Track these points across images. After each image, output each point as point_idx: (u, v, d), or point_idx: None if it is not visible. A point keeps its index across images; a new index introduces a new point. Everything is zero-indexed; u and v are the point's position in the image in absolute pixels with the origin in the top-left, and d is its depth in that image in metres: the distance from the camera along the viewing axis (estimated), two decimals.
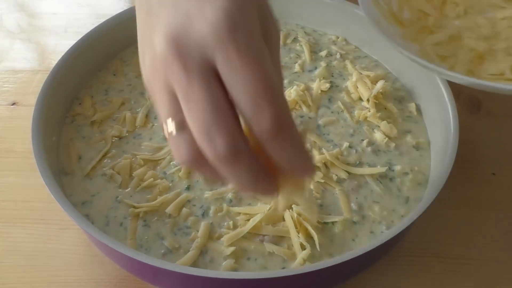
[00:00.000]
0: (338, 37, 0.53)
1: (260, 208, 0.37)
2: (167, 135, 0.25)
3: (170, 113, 0.24)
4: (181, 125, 0.24)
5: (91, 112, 0.44)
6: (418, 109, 0.46)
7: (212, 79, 0.23)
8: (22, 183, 0.44)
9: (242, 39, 0.23)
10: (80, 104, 0.46)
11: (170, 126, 0.24)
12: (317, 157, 0.40)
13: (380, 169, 0.40)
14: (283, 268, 0.34)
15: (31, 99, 0.52)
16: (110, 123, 0.44)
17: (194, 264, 0.35)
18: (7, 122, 0.49)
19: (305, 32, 0.53)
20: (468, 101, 0.53)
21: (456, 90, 0.53)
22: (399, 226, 0.33)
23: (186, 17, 0.24)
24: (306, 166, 0.26)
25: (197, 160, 0.24)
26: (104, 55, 0.49)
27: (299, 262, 0.34)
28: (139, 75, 0.49)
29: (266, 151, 0.24)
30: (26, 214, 0.42)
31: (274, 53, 0.26)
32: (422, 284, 0.38)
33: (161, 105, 0.25)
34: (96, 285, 0.37)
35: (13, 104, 0.51)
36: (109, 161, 0.41)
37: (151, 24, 0.25)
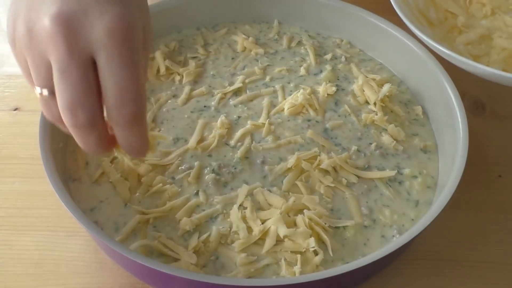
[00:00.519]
0: (342, 40, 0.53)
1: (272, 212, 0.37)
2: (38, 95, 0.31)
3: (44, 78, 0.30)
4: (51, 91, 0.30)
5: None
6: (424, 112, 0.47)
7: (88, 65, 0.29)
8: (28, 190, 0.43)
9: (128, 47, 0.29)
10: None
11: (43, 91, 0.30)
12: (326, 161, 0.40)
13: (389, 173, 0.40)
14: (296, 274, 0.34)
15: (33, 105, 0.51)
16: None
17: (205, 269, 0.35)
18: (10, 127, 0.49)
19: (309, 35, 0.53)
20: (472, 103, 0.53)
21: (460, 92, 0.54)
22: (412, 231, 0.33)
23: (83, 11, 0.29)
24: (141, 152, 0.33)
25: (59, 120, 0.31)
26: None
27: (312, 268, 0.34)
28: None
29: (116, 132, 0.31)
30: (32, 221, 0.41)
31: (146, 59, 0.33)
32: (432, 287, 0.38)
33: (34, 70, 0.30)
34: None
35: (15, 109, 0.51)
36: (117, 167, 0.41)
37: None
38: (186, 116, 0.45)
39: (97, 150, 0.32)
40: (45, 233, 0.40)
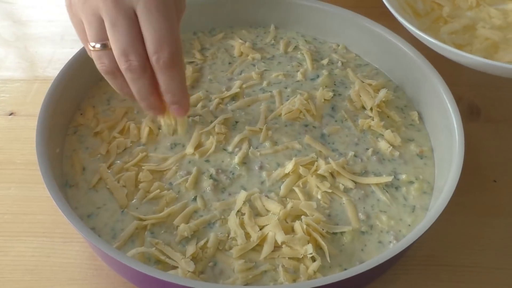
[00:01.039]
0: (338, 45, 0.53)
1: (270, 218, 0.37)
2: (91, 50, 0.35)
3: (97, 33, 0.34)
4: (105, 45, 0.34)
5: (93, 123, 0.44)
6: (420, 117, 0.47)
7: (133, 17, 0.34)
8: (24, 195, 0.43)
9: (161, 1, 0.33)
10: (82, 114, 0.45)
11: (96, 44, 0.34)
12: (323, 166, 0.41)
13: (386, 178, 0.41)
14: (294, 280, 0.34)
15: (29, 109, 0.51)
16: (113, 133, 0.43)
17: (203, 276, 0.35)
18: (5, 132, 0.49)
19: (305, 40, 0.54)
20: (467, 108, 0.53)
21: (456, 96, 0.54)
22: (409, 237, 0.34)
23: None
24: (182, 104, 0.38)
25: (113, 71, 0.35)
26: None
27: (310, 274, 0.34)
28: None
29: (159, 80, 0.35)
30: (28, 227, 0.41)
31: (180, 12, 0.37)
32: None
33: (88, 27, 0.34)
34: None
35: (11, 114, 0.51)
36: (114, 170, 0.40)
37: None
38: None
39: (149, 97, 0.36)
40: (41, 239, 0.40)
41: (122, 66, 0.34)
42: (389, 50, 0.49)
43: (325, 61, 0.51)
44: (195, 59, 0.51)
